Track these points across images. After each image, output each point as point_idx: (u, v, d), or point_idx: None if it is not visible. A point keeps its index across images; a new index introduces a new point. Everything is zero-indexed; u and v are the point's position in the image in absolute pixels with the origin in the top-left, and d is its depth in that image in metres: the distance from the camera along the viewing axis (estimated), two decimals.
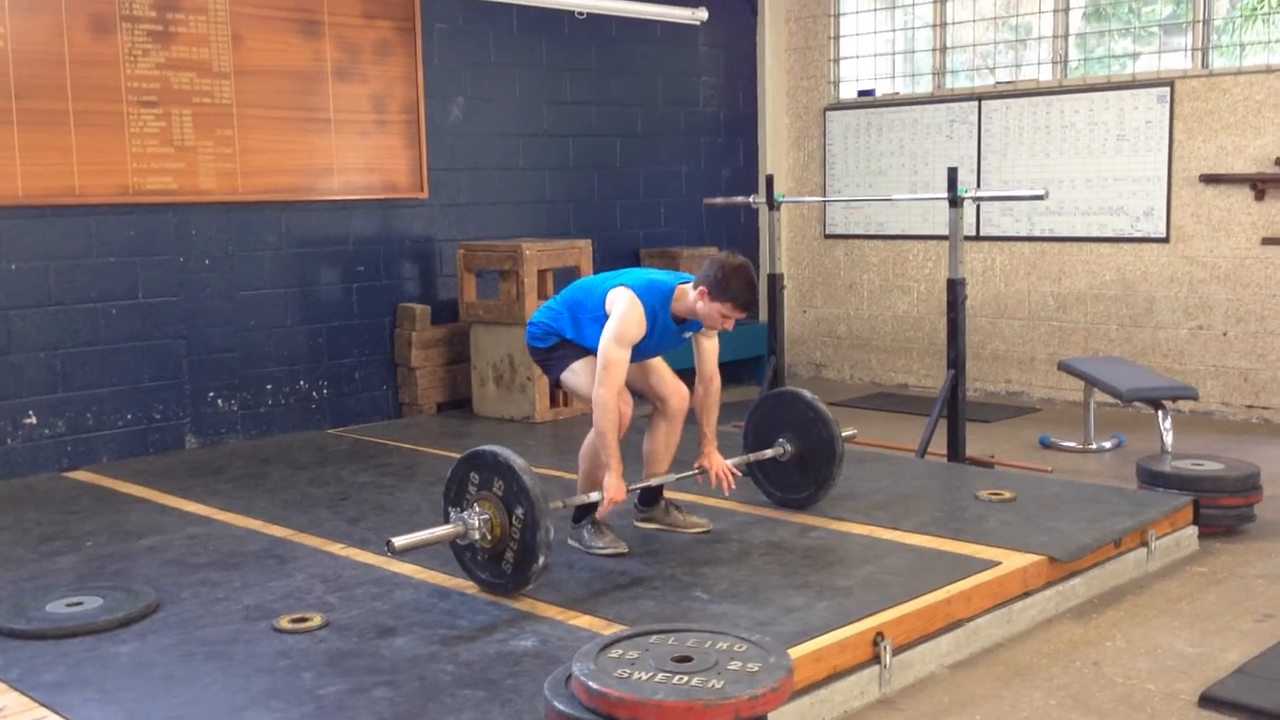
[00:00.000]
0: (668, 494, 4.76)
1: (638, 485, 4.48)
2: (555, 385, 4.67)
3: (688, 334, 4.47)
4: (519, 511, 3.83)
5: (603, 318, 4.29)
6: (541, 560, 3.81)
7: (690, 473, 4.58)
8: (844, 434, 4.97)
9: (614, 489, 4.21)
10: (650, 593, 3.97)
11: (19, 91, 5.89)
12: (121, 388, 6.33)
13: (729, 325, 4.30)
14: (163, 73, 6.35)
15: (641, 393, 4.52)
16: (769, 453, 4.93)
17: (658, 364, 4.54)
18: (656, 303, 4.30)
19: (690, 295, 4.28)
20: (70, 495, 5.57)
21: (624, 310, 4.22)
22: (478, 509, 3.90)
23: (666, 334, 4.37)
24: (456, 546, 4.04)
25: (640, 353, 4.35)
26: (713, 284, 4.20)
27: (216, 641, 3.64)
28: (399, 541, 3.82)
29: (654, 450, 4.59)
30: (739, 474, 4.64)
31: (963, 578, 4.02)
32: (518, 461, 3.87)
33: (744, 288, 4.20)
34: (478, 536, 3.89)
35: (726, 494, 4.66)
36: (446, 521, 3.97)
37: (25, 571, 4.38)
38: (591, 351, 4.32)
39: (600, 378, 4.18)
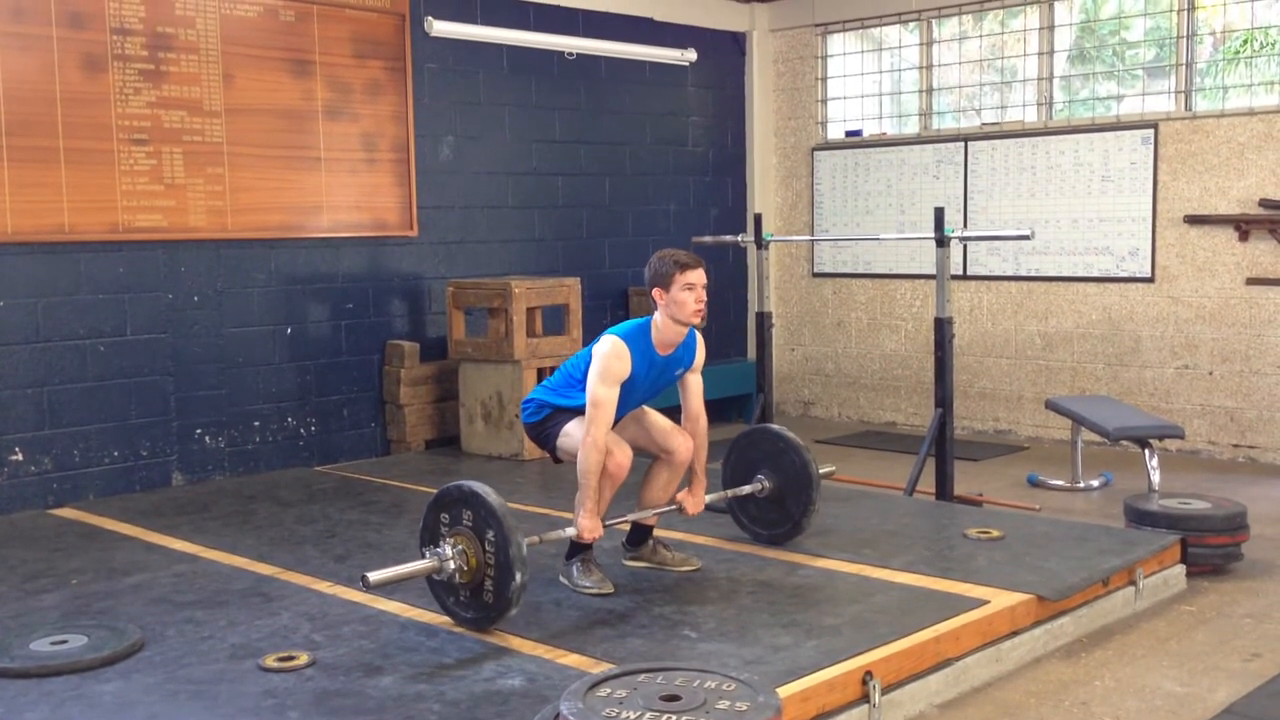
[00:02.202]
0: (657, 533, 4.75)
1: (613, 521, 4.45)
2: (554, 458, 4.57)
3: (678, 371, 4.48)
4: (490, 535, 3.84)
5: (582, 369, 4.36)
6: (519, 577, 3.79)
7: (669, 508, 4.57)
8: (822, 470, 4.99)
9: (585, 529, 4.23)
10: (638, 631, 3.95)
11: (10, 129, 5.91)
12: (109, 424, 6.31)
13: (701, 298, 4.30)
14: (154, 111, 6.38)
15: (646, 449, 4.51)
16: (747, 489, 4.93)
17: (658, 419, 4.53)
18: (638, 337, 4.33)
19: (656, 309, 4.35)
20: (56, 532, 5.54)
21: (605, 350, 4.25)
22: (450, 542, 3.91)
23: (654, 369, 4.38)
24: (439, 590, 4.03)
25: (636, 394, 4.36)
26: (653, 278, 4.32)
27: (202, 680, 3.61)
28: (374, 576, 3.82)
29: (650, 496, 4.58)
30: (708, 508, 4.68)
31: (951, 616, 4.02)
32: (481, 487, 3.89)
33: (669, 257, 4.31)
34: (453, 567, 3.88)
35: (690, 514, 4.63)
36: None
37: (9, 609, 4.35)
38: (583, 410, 4.32)
39: (590, 416, 4.19)
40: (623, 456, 4.25)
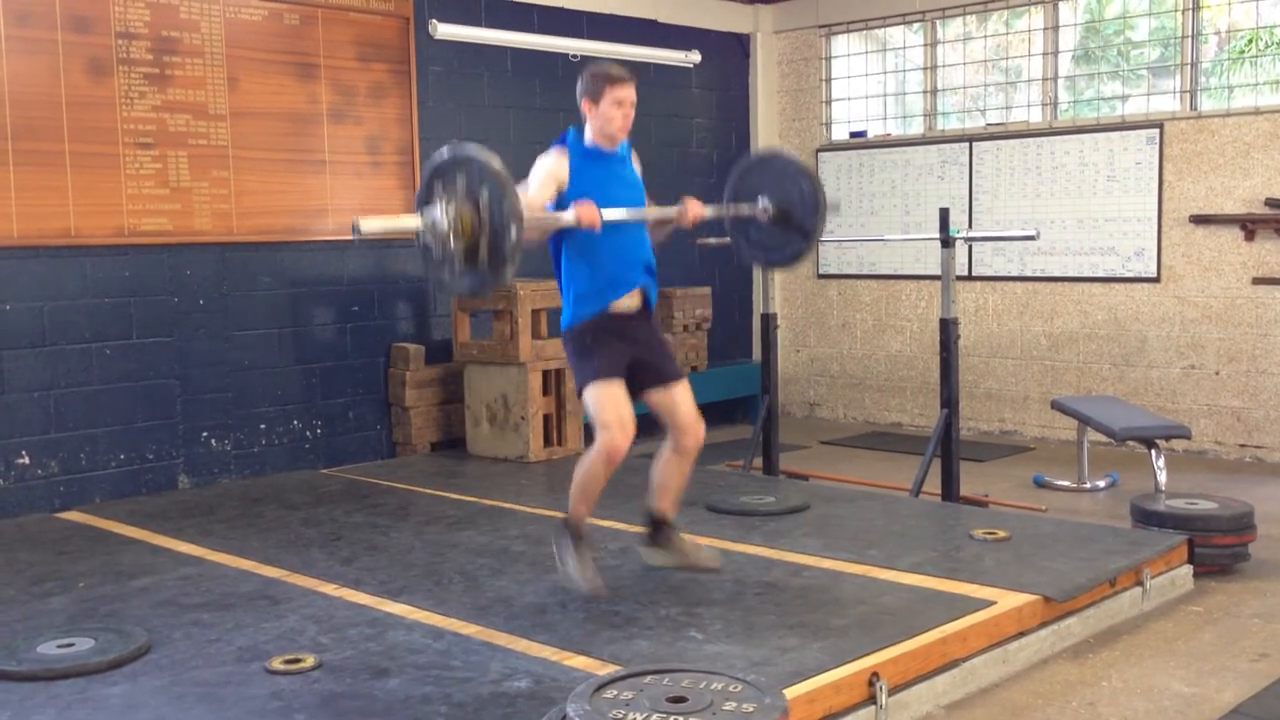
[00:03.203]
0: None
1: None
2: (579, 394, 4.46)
3: (638, 167, 4.45)
4: (484, 194, 3.74)
5: (557, 246, 4.32)
6: (514, 233, 3.70)
7: (672, 209, 4.51)
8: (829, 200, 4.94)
9: (582, 214, 4.11)
10: (645, 633, 3.95)
11: (15, 133, 5.92)
12: (115, 428, 6.32)
13: (628, 115, 4.33)
14: (159, 114, 6.39)
15: (661, 416, 4.43)
16: (747, 209, 4.86)
17: (685, 397, 4.42)
18: (570, 139, 4.32)
19: (586, 117, 4.35)
20: (63, 536, 5.54)
21: (535, 167, 4.25)
22: (443, 204, 3.80)
23: (603, 162, 4.35)
24: (434, 267, 3.91)
25: (607, 190, 4.26)
26: (583, 91, 4.34)
27: (208, 683, 3.61)
28: (365, 223, 3.71)
29: (664, 483, 4.49)
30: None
31: (958, 617, 4.01)
32: (474, 148, 3.82)
33: (601, 70, 4.34)
34: (446, 226, 3.76)
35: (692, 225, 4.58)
36: None
37: (16, 612, 4.35)
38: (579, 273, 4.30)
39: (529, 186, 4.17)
40: (623, 438, 4.18)
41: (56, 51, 6.05)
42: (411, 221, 3.86)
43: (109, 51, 6.21)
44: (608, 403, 4.21)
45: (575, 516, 4.35)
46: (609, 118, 4.31)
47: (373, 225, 3.77)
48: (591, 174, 4.30)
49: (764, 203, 4.85)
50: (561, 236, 4.31)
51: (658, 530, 4.64)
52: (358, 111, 7.17)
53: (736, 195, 4.98)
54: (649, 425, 4.70)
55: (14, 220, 5.94)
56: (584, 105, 4.37)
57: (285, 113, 6.87)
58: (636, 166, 4.58)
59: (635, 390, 4.37)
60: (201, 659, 3.81)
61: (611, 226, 4.22)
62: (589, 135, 4.41)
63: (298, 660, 3.74)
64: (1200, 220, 7.47)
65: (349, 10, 7.10)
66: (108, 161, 6.22)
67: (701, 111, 9.14)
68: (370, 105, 7.23)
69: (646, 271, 4.48)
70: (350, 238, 3.69)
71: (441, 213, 3.78)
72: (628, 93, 4.34)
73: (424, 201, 3.89)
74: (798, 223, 4.82)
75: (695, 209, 4.52)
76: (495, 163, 3.78)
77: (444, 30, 7.50)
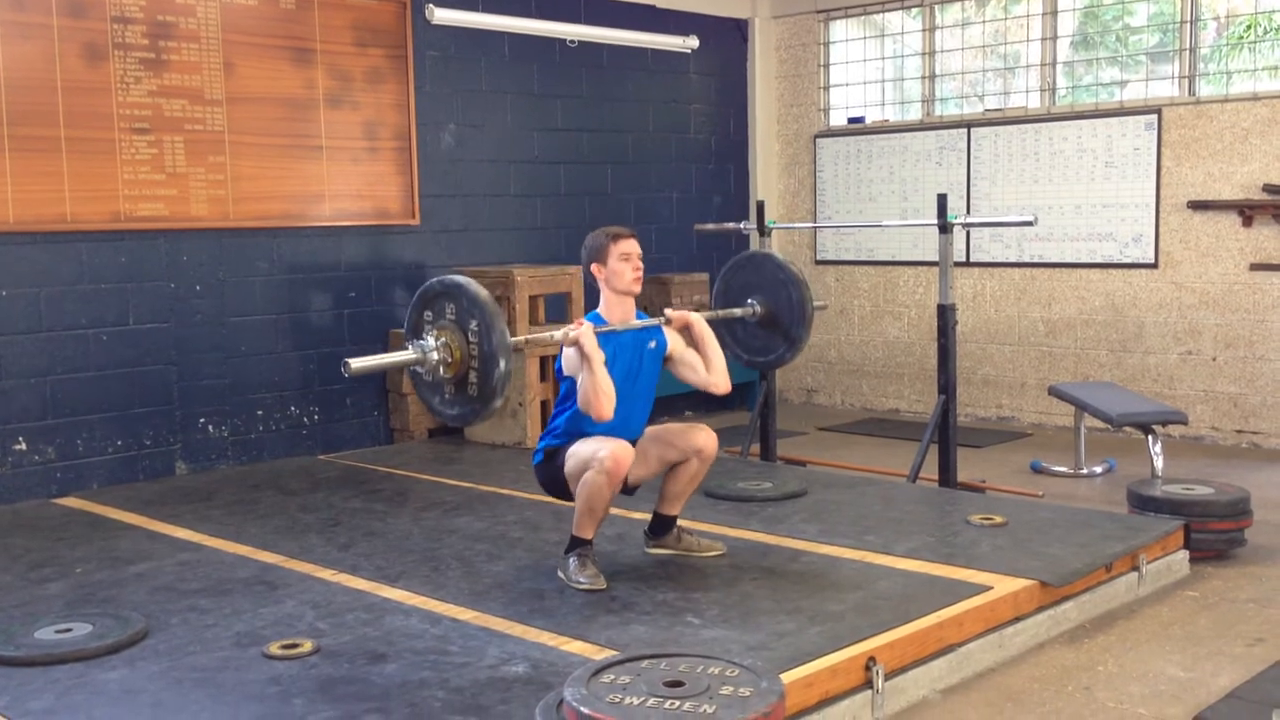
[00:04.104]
0: (682, 521, 4.71)
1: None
2: (568, 493, 4.40)
3: (650, 344, 4.42)
4: (473, 325, 3.79)
5: (567, 389, 4.33)
6: (503, 365, 3.75)
7: (657, 320, 4.49)
8: (816, 304, 5.00)
9: (572, 332, 4.13)
10: (642, 618, 3.96)
11: (11, 118, 5.90)
12: (111, 414, 6.31)
13: (637, 267, 4.32)
14: (155, 100, 6.37)
15: (676, 460, 4.44)
16: (738, 311, 4.92)
17: (674, 425, 4.50)
18: (594, 320, 4.33)
19: (600, 284, 4.37)
20: (60, 522, 5.55)
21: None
22: (434, 334, 3.85)
23: (622, 347, 4.34)
24: (425, 391, 3.97)
25: (621, 380, 4.27)
26: (589, 256, 4.37)
27: (206, 668, 3.62)
28: (355, 363, 3.78)
29: (674, 490, 4.53)
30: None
31: (955, 602, 4.02)
32: (464, 279, 3.86)
33: (602, 231, 4.36)
34: (436, 359, 3.82)
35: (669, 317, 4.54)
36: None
37: (14, 598, 4.36)
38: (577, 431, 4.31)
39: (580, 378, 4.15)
40: (621, 451, 4.16)
41: (52, 36, 6.02)
42: (402, 356, 3.92)
43: (104, 36, 6.19)
44: (587, 443, 4.22)
45: (583, 535, 4.34)
46: (618, 272, 4.32)
47: (364, 364, 3.84)
48: (608, 354, 4.25)
49: (752, 304, 4.90)
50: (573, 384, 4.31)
51: (663, 528, 4.65)
52: (354, 97, 7.15)
53: (727, 290, 5.02)
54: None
55: (9, 206, 5.92)
56: (593, 271, 4.38)
57: (282, 98, 6.86)
58: (672, 341, 4.49)
59: (625, 489, 4.40)
60: (199, 644, 3.82)
61: (621, 410, 4.22)
62: (603, 307, 4.39)
63: (295, 645, 3.75)
64: (1198, 206, 7.46)
65: None
66: (104, 147, 6.21)
67: (699, 97, 9.12)
68: (367, 90, 7.21)
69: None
70: (345, 363, 3.74)
71: (432, 344, 3.85)
72: (632, 246, 4.34)
73: (413, 329, 3.95)
74: (784, 328, 4.87)
75: (682, 314, 4.54)
76: (484, 293, 3.82)
77: (441, 15, 7.48)
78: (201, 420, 6.64)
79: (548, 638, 3.80)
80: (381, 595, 4.28)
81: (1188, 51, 7.58)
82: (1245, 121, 7.29)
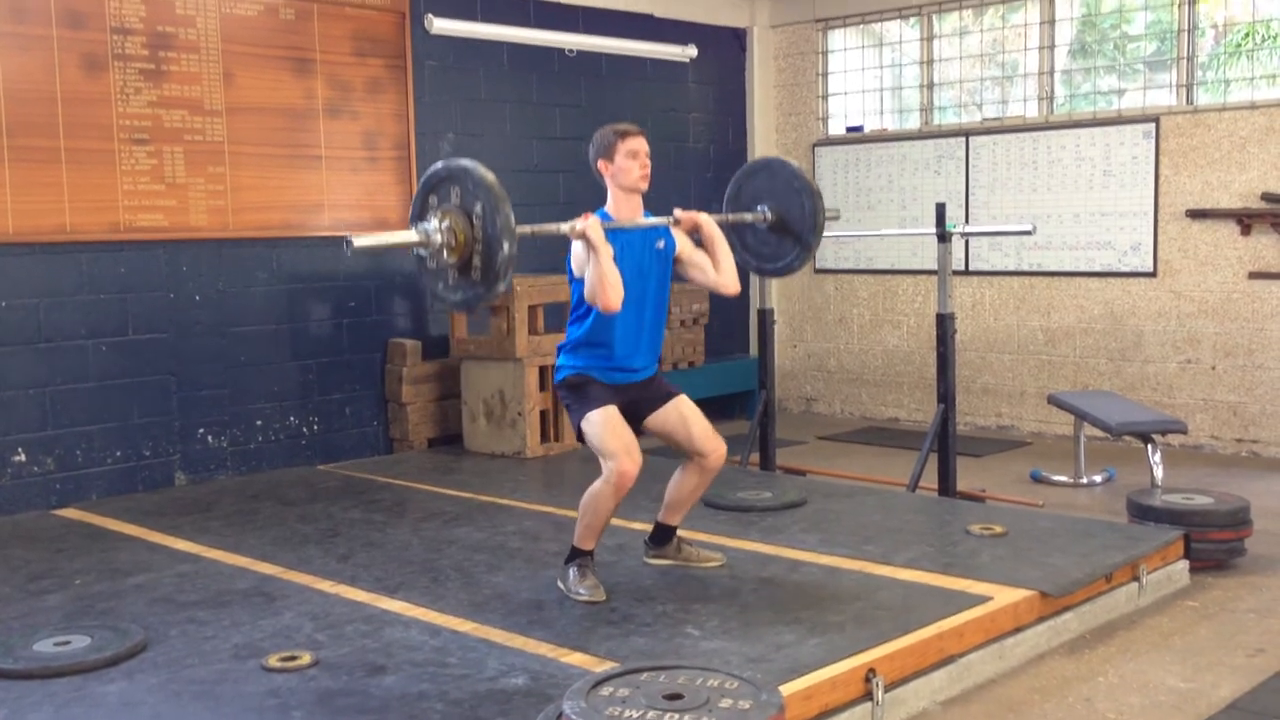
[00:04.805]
0: (680, 532, 4.70)
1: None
2: (579, 438, 4.40)
3: (659, 243, 4.39)
4: (478, 208, 3.75)
5: (579, 295, 4.28)
6: (506, 248, 3.71)
7: (665, 220, 4.47)
8: (827, 214, 4.95)
9: (579, 224, 4.12)
10: (641, 630, 3.95)
11: (10, 129, 5.91)
12: (111, 425, 6.31)
13: (644, 164, 4.30)
14: (154, 110, 6.38)
15: (679, 445, 4.44)
16: (749, 217, 4.90)
17: (700, 418, 4.41)
18: (599, 217, 4.28)
19: (606, 181, 4.36)
20: (59, 533, 5.54)
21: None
22: (438, 216, 3.81)
23: (630, 245, 4.30)
24: (429, 277, 3.94)
25: (630, 278, 4.20)
26: (596, 152, 4.37)
27: (205, 680, 3.61)
28: (358, 240, 3.73)
29: (679, 499, 4.51)
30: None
31: (955, 613, 4.02)
32: (469, 162, 3.82)
33: (609, 128, 4.35)
34: (440, 240, 3.78)
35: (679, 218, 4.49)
36: None
37: (13, 610, 4.35)
38: (585, 343, 4.28)
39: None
40: (631, 464, 4.14)
41: (51, 47, 6.03)
42: (406, 236, 3.87)
43: (104, 47, 6.20)
44: (608, 431, 4.19)
45: (583, 547, 4.34)
46: (625, 169, 4.30)
47: (366, 241, 3.78)
48: (617, 249, 4.20)
49: (763, 210, 4.87)
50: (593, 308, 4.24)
51: (664, 538, 4.64)
52: (354, 107, 7.16)
53: (739, 194, 4.99)
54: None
55: (9, 217, 5.92)
56: (600, 167, 4.36)
57: (281, 108, 6.86)
58: (680, 243, 4.47)
59: (636, 424, 4.36)
60: (198, 656, 3.81)
61: (633, 311, 4.21)
62: (610, 205, 4.38)
63: (294, 657, 3.74)
64: (1196, 215, 7.47)
65: (345, 5, 7.09)
66: (103, 157, 6.21)
67: (698, 106, 9.13)
68: (366, 100, 7.21)
69: (654, 357, 4.44)
70: (348, 240, 3.68)
71: (435, 226, 3.79)
72: (639, 143, 4.32)
73: (418, 214, 3.89)
74: (795, 234, 4.84)
75: (691, 214, 4.49)
76: (490, 176, 3.77)
77: (440, 25, 7.49)
78: (201, 430, 6.64)
79: (547, 649, 3.80)
80: (380, 607, 4.28)
81: (1185, 60, 7.59)
82: (1243, 130, 7.30)
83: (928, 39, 8.75)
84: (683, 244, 4.47)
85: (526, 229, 4.02)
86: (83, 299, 6.21)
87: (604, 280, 4.05)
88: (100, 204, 6.22)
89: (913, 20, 8.82)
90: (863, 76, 9.14)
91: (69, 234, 6.12)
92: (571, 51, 8.17)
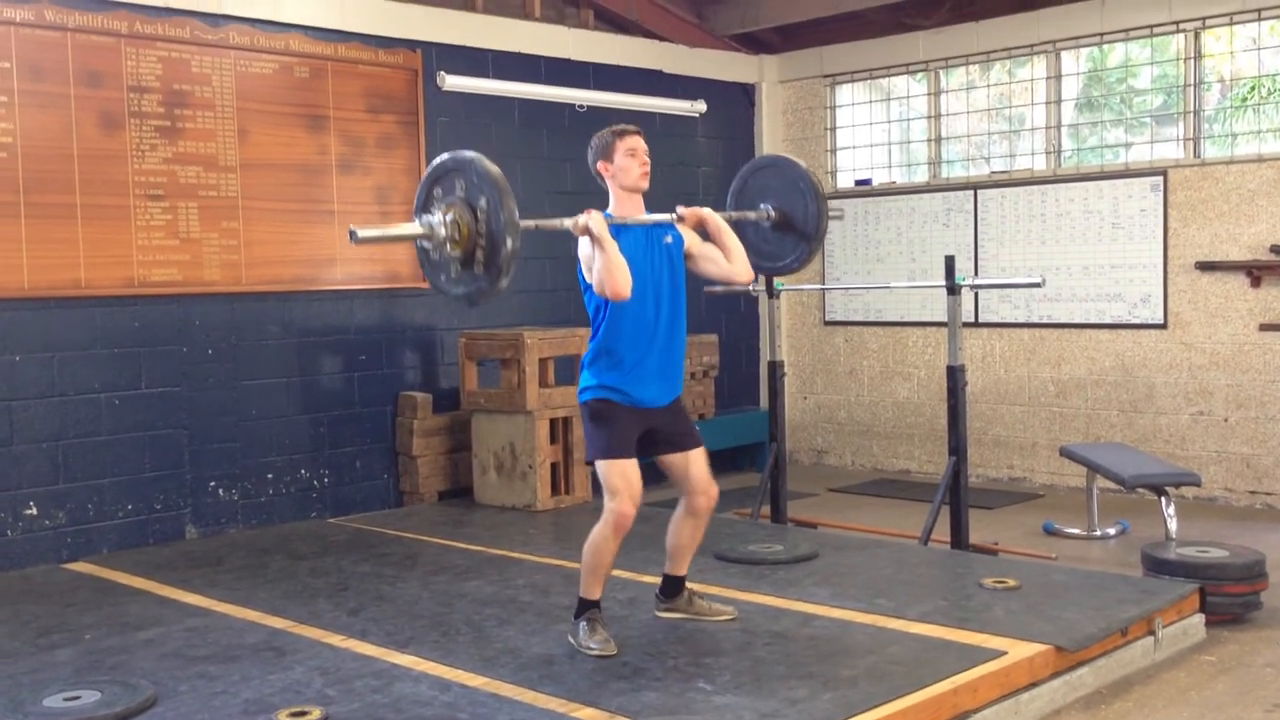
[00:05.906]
0: (690, 585, 4.69)
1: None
2: (590, 461, 4.44)
3: (667, 239, 4.38)
4: (482, 202, 3.73)
5: (595, 305, 4.28)
6: (510, 244, 3.69)
7: (668, 216, 4.44)
8: (831, 213, 4.94)
9: (581, 219, 4.13)
10: (653, 684, 3.92)
11: (28, 186, 5.98)
12: (122, 478, 6.32)
13: (643, 162, 4.34)
14: (170, 167, 6.45)
15: (675, 480, 4.45)
16: (752, 215, 4.88)
17: (699, 460, 4.42)
18: (606, 217, 4.27)
19: (606, 181, 4.38)
20: (69, 587, 5.54)
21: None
22: (442, 209, 3.79)
23: (637, 242, 4.29)
24: (431, 269, 3.91)
25: (641, 276, 4.20)
26: (595, 154, 4.40)
27: None
28: (362, 231, 3.72)
29: (679, 545, 4.52)
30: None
31: (969, 668, 3.98)
32: (474, 155, 3.82)
33: (607, 129, 4.37)
34: (444, 233, 3.76)
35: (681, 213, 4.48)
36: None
37: (23, 665, 4.34)
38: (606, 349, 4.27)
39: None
40: (631, 506, 4.17)
41: (69, 106, 6.11)
42: (410, 229, 3.87)
43: (121, 105, 6.28)
44: (617, 473, 4.21)
45: (590, 597, 4.32)
46: (625, 168, 4.35)
47: (370, 233, 3.79)
48: (624, 248, 4.21)
49: (767, 208, 4.89)
50: (605, 306, 4.25)
51: (674, 589, 4.62)
52: (366, 162, 7.23)
53: (744, 190, 5.01)
54: (658, 475, 4.68)
55: (25, 272, 5.98)
56: (600, 169, 4.40)
57: (295, 164, 6.93)
58: (688, 238, 4.48)
59: (649, 452, 4.37)
60: (207, 712, 3.79)
61: (645, 308, 4.22)
62: (613, 206, 4.40)
63: (304, 713, 3.72)
64: (1206, 267, 7.48)
65: (359, 63, 7.18)
66: (118, 213, 6.27)
67: (707, 160, 9.20)
68: (379, 156, 7.29)
69: (676, 378, 4.43)
70: (352, 230, 3.69)
71: (440, 219, 3.79)
72: (637, 142, 4.37)
73: (422, 206, 3.89)
74: (797, 235, 4.85)
75: (693, 212, 4.50)
76: (494, 169, 3.78)
77: (452, 81, 7.57)
78: (212, 484, 6.65)
79: (558, 704, 3.77)
80: (391, 661, 4.26)
81: (1192, 114, 7.64)
82: (1251, 183, 7.32)
83: (935, 94, 8.82)
84: (690, 239, 4.49)
85: (530, 223, 4.04)
86: (96, 353, 6.25)
87: (610, 266, 4.06)
88: (115, 259, 6.27)
89: (919, 75, 8.89)
90: (871, 130, 9.20)
91: (83, 289, 6.17)
92: (582, 107, 8.25)
